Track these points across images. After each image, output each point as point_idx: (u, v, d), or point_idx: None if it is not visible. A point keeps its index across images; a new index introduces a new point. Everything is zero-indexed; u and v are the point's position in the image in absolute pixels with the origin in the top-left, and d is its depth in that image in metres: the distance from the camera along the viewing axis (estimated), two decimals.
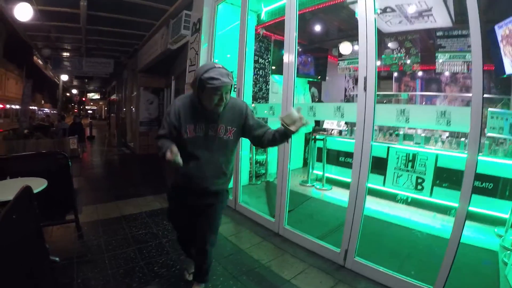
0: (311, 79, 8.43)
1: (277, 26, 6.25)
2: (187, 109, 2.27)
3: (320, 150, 6.48)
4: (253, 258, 3.39)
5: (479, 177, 4.40)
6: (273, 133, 2.26)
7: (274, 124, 2.36)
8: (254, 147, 6.46)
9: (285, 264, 3.32)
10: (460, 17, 5.66)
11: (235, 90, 4.90)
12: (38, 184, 2.90)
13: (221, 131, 2.28)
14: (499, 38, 4.88)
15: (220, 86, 2.06)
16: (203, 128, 2.26)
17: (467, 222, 2.40)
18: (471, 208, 2.37)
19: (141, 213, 4.72)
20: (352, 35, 7.57)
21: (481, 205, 4.42)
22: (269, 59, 6.92)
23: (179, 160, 2.06)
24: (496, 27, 4.88)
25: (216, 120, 2.26)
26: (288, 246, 3.72)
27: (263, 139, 2.31)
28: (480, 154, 2.37)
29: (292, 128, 2.08)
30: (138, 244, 3.65)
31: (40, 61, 14.37)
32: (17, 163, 3.74)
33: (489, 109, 4.57)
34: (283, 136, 2.19)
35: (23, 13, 6.21)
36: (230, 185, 2.64)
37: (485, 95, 2.33)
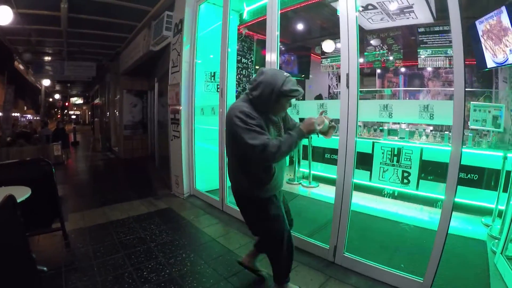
0: (294, 78, 8.46)
1: (260, 26, 6.25)
2: (260, 116, 2.18)
3: (305, 147, 6.50)
4: (242, 256, 3.38)
5: (464, 168, 4.48)
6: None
7: None
8: None
9: None
10: (441, 13, 5.75)
11: (218, 91, 4.88)
12: (22, 193, 2.84)
13: (282, 130, 2.43)
14: (480, 33, 4.96)
15: (296, 95, 2.16)
16: (277, 131, 2.36)
17: (454, 213, 2.44)
18: (457, 200, 2.42)
19: (128, 218, 4.68)
20: (334, 33, 7.61)
21: (467, 196, 4.49)
22: (252, 59, 6.93)
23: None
24: (477, 22, 4.96)
25: (278, 121, 2.38)
26: None
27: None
28: (464, 146, 2.40)
29: (327, 136, 2.32)
30: (126, 250, 3.60)
31: (21, 66, 14.10)
32: None
33: (472, 102, 4.65)
34: (299, 133, 2.21)
35: (3, 16, 6.07)
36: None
37: (467, 89, 2.37)
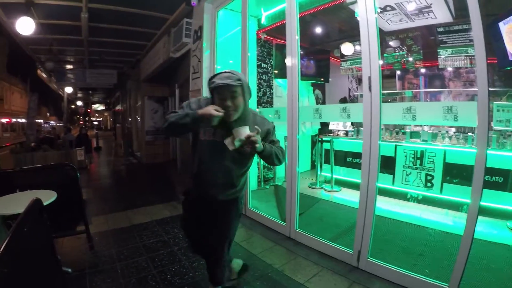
0: (314, 81, 8.42)
1: (278, 30, 6.27)
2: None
3: (327, 151, 6.46)
4: (266, 263, 3.38)
5: (488, 171, 4.36)
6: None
7: (280, 128, 2.34)
8: None
9: (298, 267, 3.30)
10: (460, 12, 5.65)
11: None
12: (48, 196, 2.91)
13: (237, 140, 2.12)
14: (503, 32, 4.85)
15: (218, 86, 2.02)
16: (222, 134, 2.16)
17: (479, 217, 2.38)
18: (482, 203, 2.35)
19: (151, 222, 4.73)
20: (353, 36, 7.55)
21: (492, 199, 4.37)
22: (272, 63, 6.94)
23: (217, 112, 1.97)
24: (500, 23, 4.86)
25: (232, 129, 2.12)
26: (300, 249, 3.70)
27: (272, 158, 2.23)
28: (488, 148, 2.35)
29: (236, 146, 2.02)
30: (150, 253, 3.65)
31: (44, 74, 14.49)
32: (25, 176, 3.77)
33: (495, 102, 4.54)
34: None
35: (25, 27, 6.25)
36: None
37: (490, 88, 2.32)
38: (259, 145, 2.04)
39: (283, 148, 2.35)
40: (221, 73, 2.09)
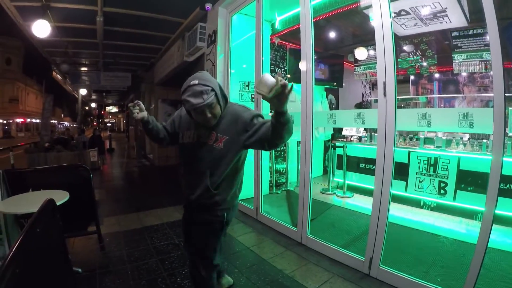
0: (328, 86, 8.39)
1: (292, 35, 6.27)
2: (185, 118, 2.26)
3: (340, 157, 6.42)
4: (277, 268, 3.36)
5: (503, 178, 4.29)
6: (270, 122, 1.85)
7: (294, 133, 2.13)
8: (273, 156, 6.45)
9: (309, 273, 3.27)
10: (475, 15, 5.59)
11: (253, 100, 4.91)
12: (61, 197, 2.95)
13: (212, 139, 2.08)
14: None
15: (192, 108, 1.93)
16: (197, 135, 2.14)
17: (493, 226, 2.33)
18: (496, 211, 2.31)
19: (163, 224, 4.75)
20: (366, 40, 7.52)
21: (506, 208, 4.28)
22: (285, 68, 6.93)
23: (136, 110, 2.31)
24: None
25: (209, 128, 2.09)
26: (311, 255, 3.67)
27: (267, 137, 1.90)
28: (504, 155, 2.30)
29: (269, 95, 1.67)
30: (160, 255, 3.66)
31: (59, 76, 14.69)
32: (39, 176, 3.83)
33: (511, 108, 4.46)
34: (275, 117, 1.76)
35: (41, 30, 6.36)
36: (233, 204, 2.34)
37: (506, 94, 2.28)
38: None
39: None
40: (192, 86, 1.92)
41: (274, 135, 1.83)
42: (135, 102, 2.28)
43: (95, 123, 43.81)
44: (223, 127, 2.08)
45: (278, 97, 1.68)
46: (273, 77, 1.68)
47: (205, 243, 2.23)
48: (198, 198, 2.14)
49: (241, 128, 2.03)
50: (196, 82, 1.91)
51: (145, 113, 2.33)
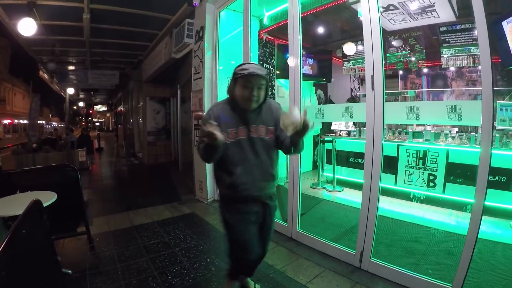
0: (316, 81, 8.40)
1: (280, 30, 6.26)
2: (227, 113, 2.20)
3: (329, 152, 6.44)
4: (267, 264, 3.35)
5: (492, 170, 4.34)
6: (289, 138, 2.12)
7: None
8: None
9: (300, 268, 3.28)
10: (463, 11, 5.63)
11: None
12: (48, 198, 2.90)
13: (263, 132, 2.22)
14: (506, 32, 4.83)
15: (250, 74, 2.05)
16: (245, 131, 2.18)
17: (482, 217, 2.35)
18: (486, 203, 2.32)
19: (153, 223, 4.72)
20: (355, 35, 7.55)
21: (495, 199, 4.35)
22: (274, 64, 6.93)
23: (215, 133, 1.87)
24: (504, 22, 4.83)
25: (255, 121, 2.21)
26: (302, 250, 3.68)
27: (284, 144, 2.21)
28: (492, 147, 2.32)
29: (290, 131, 1.92)
30: (151, 254, 3.63)
31: (46, 76, 14.51)
32: (26, 177, 3.76)
33: (498, 101, 4.51)
34: (292, 140, 2.09)
35: (27, 28, 6.25)
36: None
37: (494, 88, 2.29)
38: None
39: None
40: (249, 63, 2.14)
41: (287, 149, 2.21)
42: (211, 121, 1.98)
43: (83, 123, 43.38)
44: (268, 119, 2.25)
45: (298, 133, 1.94)
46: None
47: (274, 221, 2.51)
48: (263, 189, 2.28)
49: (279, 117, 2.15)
50: (254, 63, 2.18)
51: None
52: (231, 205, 2.29)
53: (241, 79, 2.09)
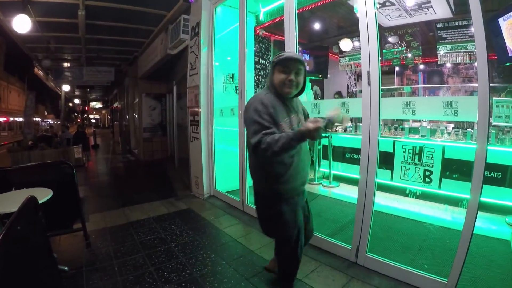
0: (313, 77, 8.39)
1: (276, 26, 6.24)
2: (277, 103, 2.17)
3: (325, 147, 6.44)
4: (264, 259, 3.36)
5: (487, 166, 4.36)
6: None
7: None
8: None
9: None
10: (459, 7, 5.63)
11: (237, 92, 4.89)
12: (43, 194, 2.89)
13: (302, 120, 2.34)
14: (502, 28, 4.84)
15: (287, 58, 2.13)
16: (296, 119, 2.25)
17: (478, 213, 2.36)
18: (481, 199, 2.33)
19: (149, 219, 4.72)
20: (351, 32, 7.55)
21: (490, 195, 4.37)
22: (270, 60, 6.91)
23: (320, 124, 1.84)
24: (500, 19, 4.85)
25: (297, 110, 2.33)
26: None
27: None
28: (488, 143, 2.33)
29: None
30: (147, 250, 3.63)
31: (41, 73, 14.43)
32: (22, 174, 3.73)
33: (494, 98, 4.53)
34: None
35: (22, 25, 6.21)
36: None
37: (490, 84, 2.29)
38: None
39: None
40: (286, 51, 2.27)
41: None
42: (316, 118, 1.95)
43: (79, 120, 43.20)
44: (300, 109, 2.43)
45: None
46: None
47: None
48: (308, 177, 2.45)
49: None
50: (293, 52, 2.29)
51: None
52: (289, 199, 2.30)
53: (278, 65, 2.16)
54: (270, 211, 2.37)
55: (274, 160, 2.11)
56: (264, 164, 2.22)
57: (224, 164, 5.74)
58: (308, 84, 8.09)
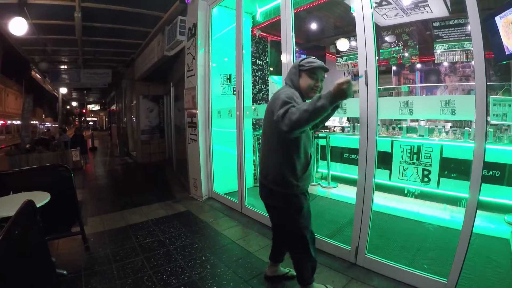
0: None
1: (273, 27, 6.23)
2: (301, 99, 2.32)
3: (323, 148, 6.44)
4: (263, 261, 3.34)
5: (485, 165, 4.36)
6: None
7: None
8: (256, 149, 6.43)
9: None
10: (456, 6, 5.64)
11: (235, 93, 4.89)
12: (41, 198, 2.87)
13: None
14: (499, 26, 4.84)
15: (318, 67, 2.33)
16: None
17: (477, 212, 2.36)
18: (480, 197, 2.33)
19: (147, 222, 4.70)
20: (348, 31, 7.55)
21: (489, 194, 4.37)
22: (267, 60, 6.90)
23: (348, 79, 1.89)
24: (498, 17, 4.85)
25: None
26: None
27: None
28: (485, 142, 2.32)
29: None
30: (146, 253, 3.61)
31: (38, 75, 14.40)
32: (20, 178, 3.71)
33: (491, 96, 4.53)
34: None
35: (18, 27, 6.18)
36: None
37: (487, 82, 2.29)
38: None
39: None
40: (312, 58, 2.41)
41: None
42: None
43: (77, 122, 43.11)
44: None
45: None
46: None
47: None
48: None
49: None
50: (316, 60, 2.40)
51: None
52: (305, 195, 2.47)
53: (308, 71, 2.34)
54: (291, 208, 2.41)
55: (300, 129, 2.02)
56: (288, 159, 2.30)
57: (222, 165, 5.73)
58: None
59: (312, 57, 2.40)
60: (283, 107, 2.02)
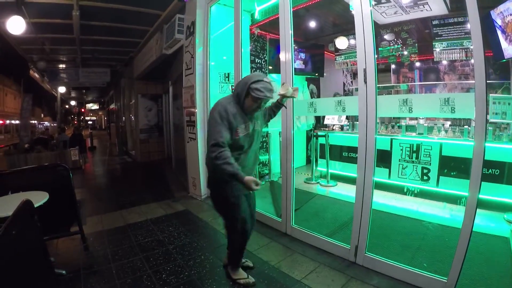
0: (309, 76, 8.36)
1: (272, 25, 6.20)
2: (239, 111, 2.57)
3: (322, 146, 6.43)
4: (262, 260, 3.35)
5: (485, 163, 4.36)
6: (272, 108, 3.15)
7: (275, 124, 2.45)
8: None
9: (295, 264, 3.27)
10: (455, 4, 5.62)
11: (233, 91, 4.88)
12: (40, 198, 2.87)
13: (258, 124, 2.77)
14: (498, 24, 4.83)
15: (262, 98, 2.48)
16: (251, 126, 2.67)
17: (477, 210, 2.35)
18: (480, 196, 2.32)
19: (146, 221, 4.69)
20: (347, 29, 7.52)
21: (488, 192, 4.36)
22: (266, 59, 6.88)
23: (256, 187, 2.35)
24: (493, 14, 4.84)
25: (257, 117, 2.77)
26: (296, 246, 3.67)
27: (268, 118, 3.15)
28: (485, 140, 2.32)
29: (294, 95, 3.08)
30: (145, 252, 3.60)
31: (36, 75, 14.32)
32: (18, 178, 3.70)
33: (491, 95, 4.53)
34: (279, 107, 3.17)
35: (16, 26, 6.15)
36: None
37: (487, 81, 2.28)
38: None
39: None
40: (262, 81, 2.50)
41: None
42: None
43: (75, 122, 43.06)
44: (260, 114, 2.85)
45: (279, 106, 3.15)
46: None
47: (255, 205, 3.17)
48: (254, 170, 2.90)
49: (263, 113, 2.99)
50: (269, 81, 2.56)
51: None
52: (236, 187, 2.61)
53: (256, 97, 2.48)
54: (220, 197, 2.77)
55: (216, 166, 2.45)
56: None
57: None
58: (305, 83, 8.10)
59: (265, 79, 2.52)
60: (213, 147, 2.40)
